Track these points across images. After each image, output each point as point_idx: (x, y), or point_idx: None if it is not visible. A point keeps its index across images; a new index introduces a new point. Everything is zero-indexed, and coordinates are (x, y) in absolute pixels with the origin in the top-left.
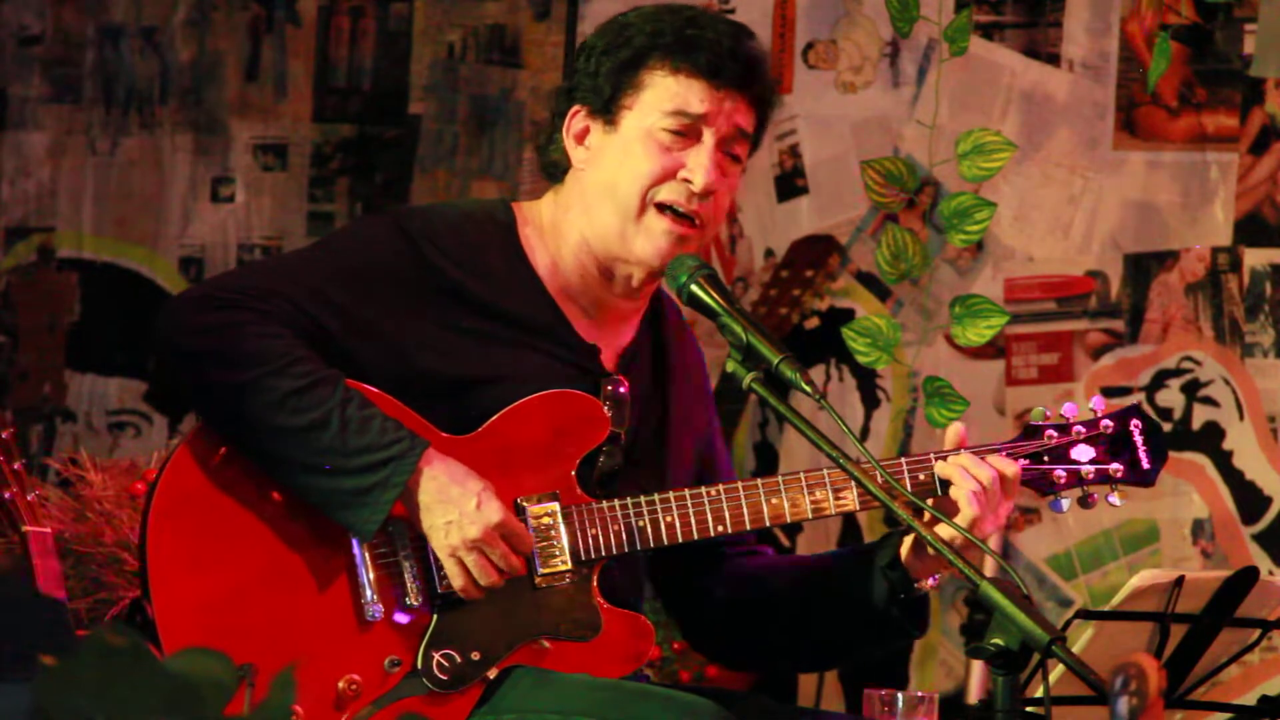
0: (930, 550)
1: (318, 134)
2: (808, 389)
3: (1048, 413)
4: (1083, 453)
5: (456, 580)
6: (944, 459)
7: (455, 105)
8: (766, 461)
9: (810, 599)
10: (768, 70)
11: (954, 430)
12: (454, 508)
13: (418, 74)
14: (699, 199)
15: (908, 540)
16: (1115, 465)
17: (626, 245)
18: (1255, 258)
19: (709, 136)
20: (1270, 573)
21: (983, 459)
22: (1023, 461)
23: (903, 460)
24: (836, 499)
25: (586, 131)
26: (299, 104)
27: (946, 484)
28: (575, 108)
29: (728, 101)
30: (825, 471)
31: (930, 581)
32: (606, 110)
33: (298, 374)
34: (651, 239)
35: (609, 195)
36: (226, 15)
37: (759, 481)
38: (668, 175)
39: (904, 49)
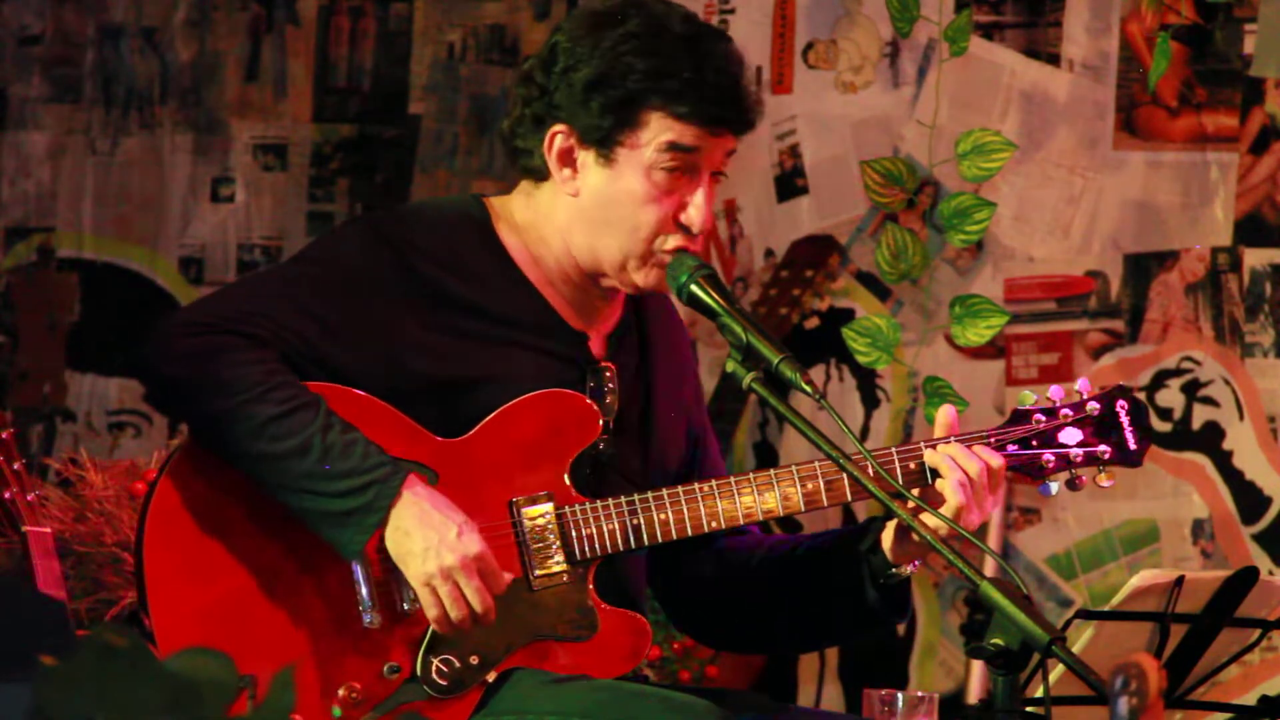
0: (915, 538)
1: (318, 134)
2: (807, 389)
3: (1035, 397)
4: (1070, 436)
5: (430, 610)
6: (933, 448)
7: (455, 105)
8: (766, 462)
9: (792, 580)
10: (757, 94)
11: (944, 414)
12: (434, 534)
13: (418, 74)
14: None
15: (890, 525)
16: (1102, 447)
17: (625, 274)
18: (1255, 258)
19: (704, 173)
20: (1270, 573)
21: (970, 450)
22: (1011, 447)
23: (894, 450)
24: (829, 491)
25: (571, 152)
26: (299, 104)
27: (935, 473)
28: (559, 127)
29: (722, 138)
30: (817, 464)
31: (910, 567)
32: (601, 144)
33: (278, 400)
34: (656, 272)
35: (608, 231)
36: (227, 15)
37: (751, 475)
38: (669, 222)
39: (904, 49)
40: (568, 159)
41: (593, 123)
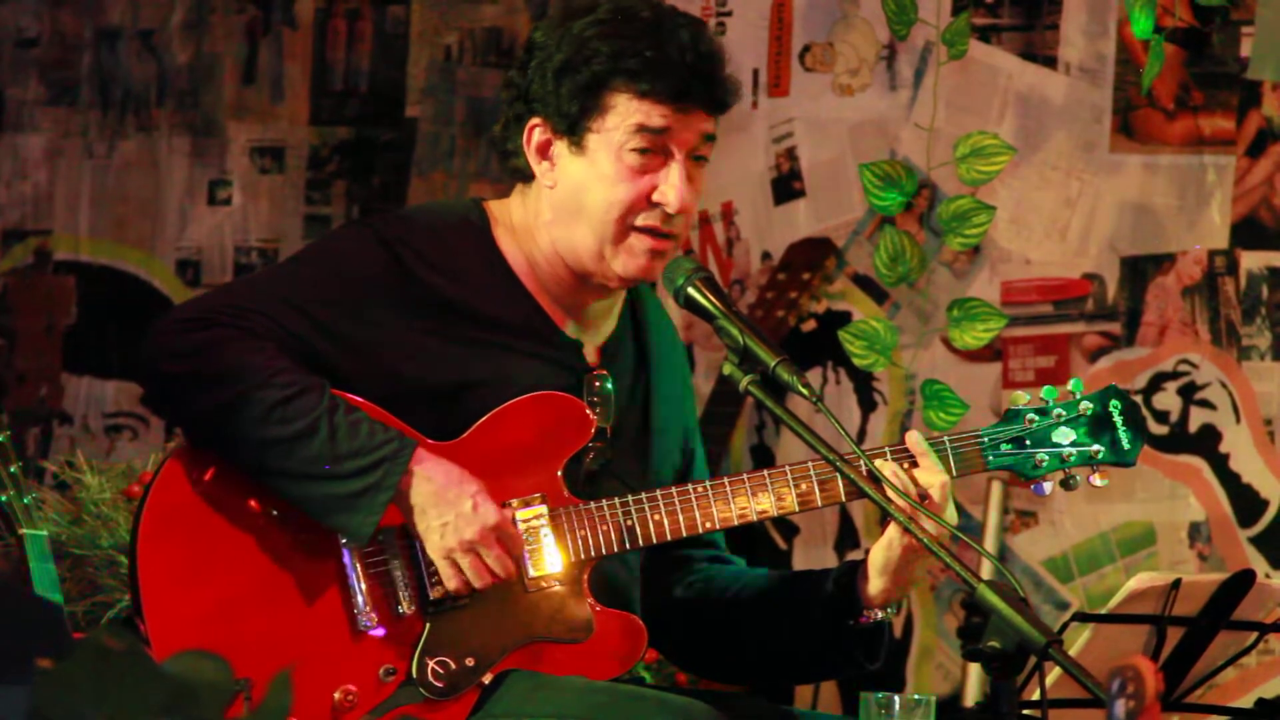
0: (906, 542)
1: (315, 136)
2: (805, 392)
3: (1028, 397)
4: (1063, 435)
5: (450, 581)
6: (895, 455)
7: (452, 107)
8: (763, 465)
9: (763, 614)
10: (728, 73)
11: (909, 439)
12: (450, 509)
13: (415, 76)
14: (672, 218)
15: (874, 563)
16: (1096, 446)
17: (604, 263)
18: (1252, 260)
19: (677, 153)
20: (1267, 575)
21: (909, 472)
22: (1005, 447)
23: (886, 449)
24: (823, 491)
25: (548, 145)
26: (296, 106)
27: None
28: (535, 120)
29: (692, 116)
30: (810, 464)
31: (879, 613)
32: (571, 131)
33: (282, 384)
34: (633, 257)
35: (583, 218)
36: (223, 18)
37: (745, 476)
38: (642, 200)
39: (901, 52)
40: (545, 152)
41: (563, 109)
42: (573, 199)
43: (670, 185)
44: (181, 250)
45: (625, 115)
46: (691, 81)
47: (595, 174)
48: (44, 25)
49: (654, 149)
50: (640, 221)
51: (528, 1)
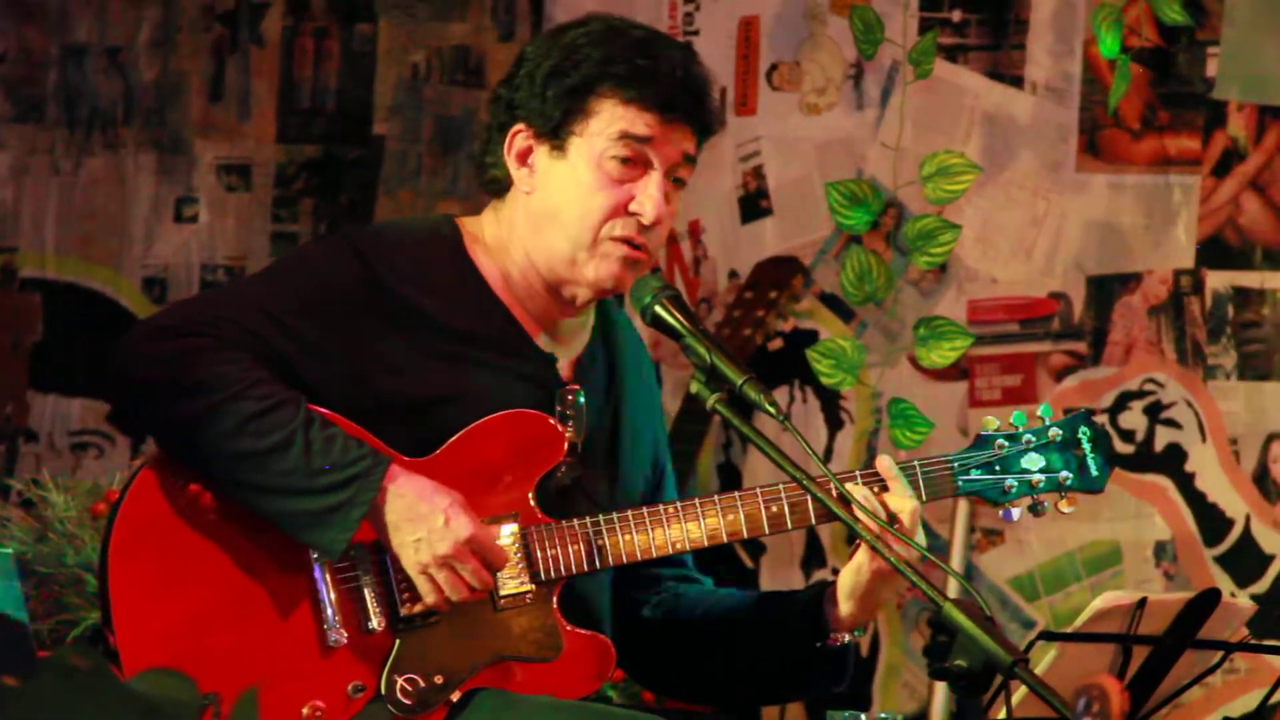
0: (874, 567)
1: (282, 154)
2: (771, 410)
3: (998, 422)
4: (1033, 461)
5: (429, 596)
6: (865, 479)
7: (419, 126)
8: (730, 483)
9: (731, 634)
10: (714, 95)
11: (880, 464)
12: (423, 525)
13: (382, 94)
14: (647, 230)
15: (842, 585)
16: (1064, 473)
17: (577, 270)
18: (1217, 280)
19: (657, 165)
20: (1232, 594)
21: (879, 496)
22: (974, 473)
23: (857, 473)
24: (793, 513)
25: (530, 152)
26: (263, 124)
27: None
28: (518, 127)
29: (676, 131)
30: (781, 486)
31: (846, 636)
32: (554, 135)
33: (257, 397)
34: (607, 263)
35: (559, 224)
36: (191, 35)
37: (716, 497)
38: (619, 209)
39: (868, 71)
40: (526, 158)
41: (547, 112)
42: (549, 204)
43: (648, 196)
44: (148, 268)
45: (610, 121)
46: (679, 94)
47: (574, 180)
48: (10, 42)
49: (635, 159)
50: (617, 232)
51: (495, 20)
